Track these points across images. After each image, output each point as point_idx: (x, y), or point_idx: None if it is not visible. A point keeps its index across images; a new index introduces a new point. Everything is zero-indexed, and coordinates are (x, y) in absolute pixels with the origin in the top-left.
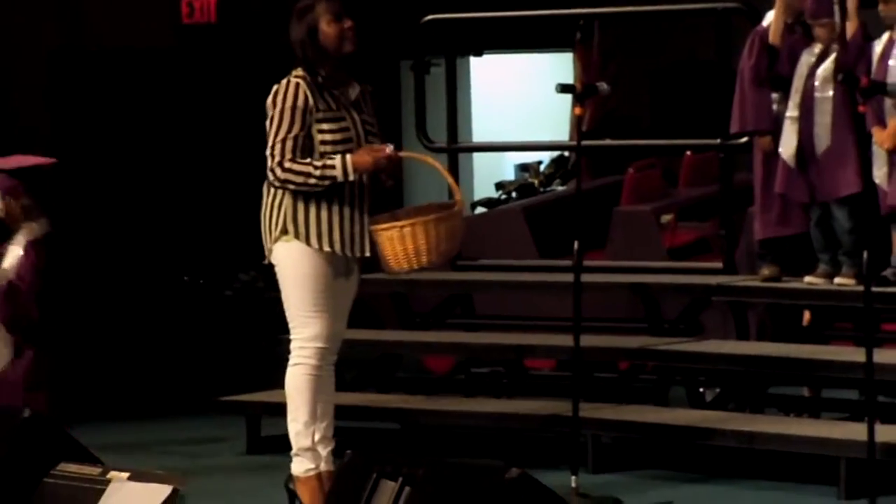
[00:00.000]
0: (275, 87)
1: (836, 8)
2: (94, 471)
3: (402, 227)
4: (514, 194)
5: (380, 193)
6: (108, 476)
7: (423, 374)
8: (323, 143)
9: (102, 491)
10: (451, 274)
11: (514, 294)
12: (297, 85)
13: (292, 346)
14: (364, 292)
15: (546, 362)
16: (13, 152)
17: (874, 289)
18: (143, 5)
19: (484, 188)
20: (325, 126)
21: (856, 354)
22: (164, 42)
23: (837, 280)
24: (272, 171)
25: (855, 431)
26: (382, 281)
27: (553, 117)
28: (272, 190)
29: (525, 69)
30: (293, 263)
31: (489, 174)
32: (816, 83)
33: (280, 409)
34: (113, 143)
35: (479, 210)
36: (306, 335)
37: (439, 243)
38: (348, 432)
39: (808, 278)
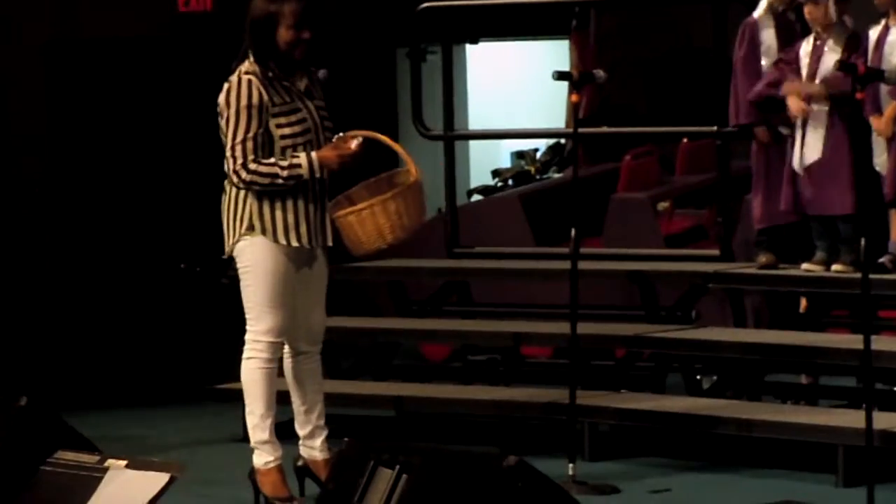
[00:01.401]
0: (226, 86)
1: None
2: (92, 458)
3: (360, 210)
4: (510, 182)
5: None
6: (106, 464)
7: (420, 362)
8: (282, 137)
9: (100, 479)
10: (448, 261)
11: (510, 281)
12: (250, 82)
13: (246, 338)
14: (360, 280)
15: (543, 350)
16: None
17: (871, 276)
18: None
19: (480, 176)
20: (282, 120)
21: (853, 342)
22: (159, 31)
23: (834, 267)
24: (236, 173)
25: (853, 419)
26: (379, 269)
27: (549, 105)
28: (232, 186)
29: (521, 57)
30: (258, 259)
31: (485, 162)
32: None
33: (278, 398)
34: (109, 132)
35: (476, 198)
36: (261, 328)
37: (401, 218)
38: (345, 420)
39: (805, 265)
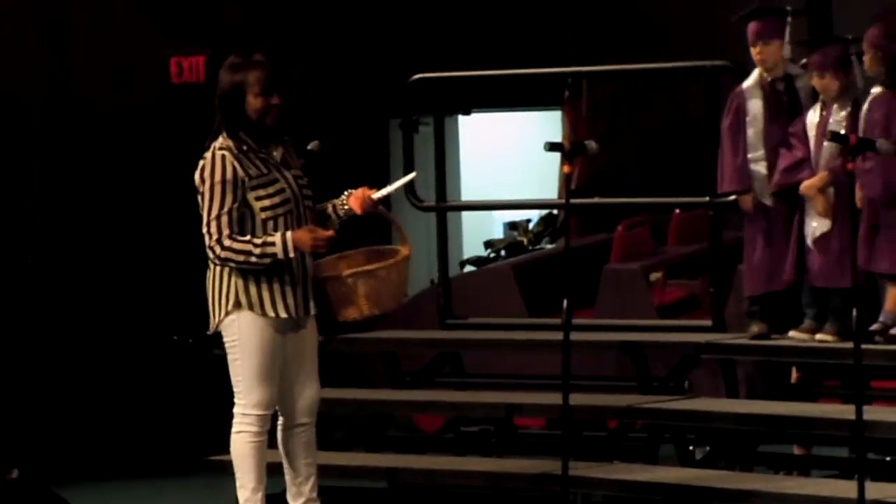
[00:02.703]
0: (201, 163)
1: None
2: None
3: (351, 275)
4: (503, 252)
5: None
6: None
7: (413, 433)
8: (262, 209)
9: None
10: (441, 332)
11: (503, 352)
12: (224, 157)
13: (235, 411)
14: (353, 351)
15: (536, 421)
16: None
17: (863, 346)
18: (133, 65)
19: (473, 246)
20: (261, 192)
21: (846, 412)
22: (152, 101)
23: (818, 336)
24: (211, 248)
25: (845, 489)
26: (371, 340)
27: (542, 175)
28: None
29: (514, 127)
30: (245, 334)
31: (478, 232)
32: (820, 163)
33: (269, 469)
34: (102, 201)
35: (469, 268)
36: (249, 402)
37: (396, 289)
38: (337, 492)
39: (792, 332)
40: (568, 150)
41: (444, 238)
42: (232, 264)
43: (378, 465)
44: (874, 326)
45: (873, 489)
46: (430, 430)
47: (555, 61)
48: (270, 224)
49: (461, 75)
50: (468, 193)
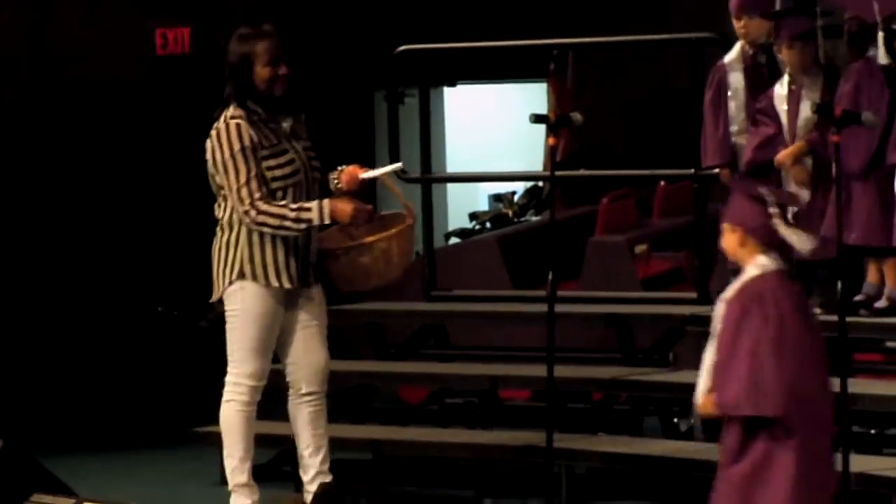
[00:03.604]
0: (213, 133)
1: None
2: (68, 501)
3: (358, 246)
4: (488, 225)
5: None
6: None
7: (398, 405)
8: (273, 179)
9: None
10: (425, 304)
11: (488, 324)
12: (238, 126)
13: (227, 380)
14: (339, 323)
15: (520, 393)
16: None
17: (848, 319)
18: (117, 37)
19: (458, 218)
20: (271, 162)
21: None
22: (137, 74)
23: None
24: (246, 213)
25: None
26: (356, 312)
27: (527, 147)
28: (224, 232)
29: (499, 99)
30: (247, 304)
31: (463, 204)
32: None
33: (256, 441)
34: (87, 175)
35: (454, 241)
36: (243, 371)
37: (399, 259)
38: None
39: None
40: (553, 122)
41: (430, 210)
42: (267, 229)
43: (363, 436)
44: (858, 297)
45: (858, 461)
46: (415, 401)
47: (540, 33)
48: (279, 194)
49: (446, 47)
50: (453, 165)
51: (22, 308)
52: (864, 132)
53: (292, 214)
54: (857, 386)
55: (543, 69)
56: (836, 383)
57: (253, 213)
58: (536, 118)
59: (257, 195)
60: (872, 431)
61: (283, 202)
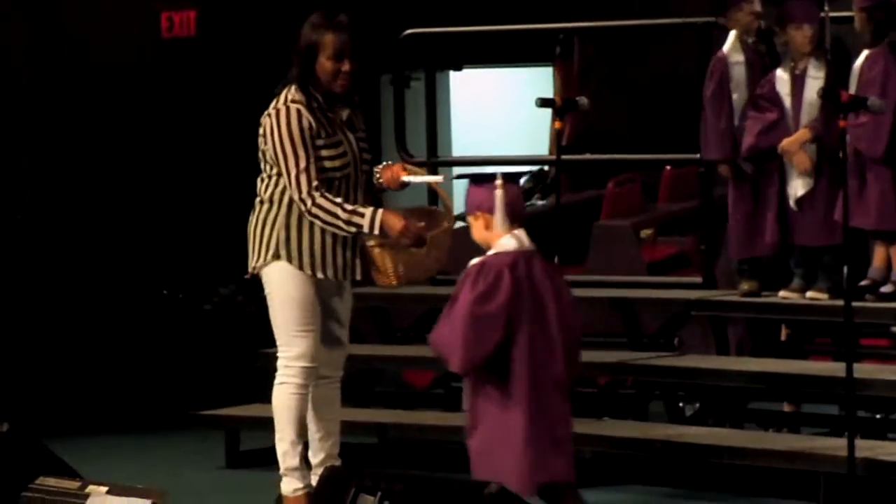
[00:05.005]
0: (273, 113)
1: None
2: (73, 485)
3: (387, 243)
4: None
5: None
6: (87, 490)
7: (403, 389)
8: (323, 169)
9: None
10: (431, 288)
11: None
12: (299, 112)
13: (278, 364)
14: None
15: None
16: None
17: (854, 304)
18: (123, 20)
19: (463, 202)
20: (325, 153)
21: (836, 370)
22: (143, 57)
23: (809, 294)
24: (303, 201)
25: (835, 447)
26: (362, 295)
27: (533, 132)
28: (264, 206)
29: (505, 83)
30: (283, 285)
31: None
32: (801, 121)
33: (259, 424)
34: (93, 158)
35: (459, 224)
36: (292, 354)
37: (435, 259)
38: None
39: (782, 293)
40: (559, 106)
41: (435, 193)
42: (318, 221)
43: (368, 420)
44: (863, 282)
45: (863, 446)
46: (420, 385)
47: (546, 17)
48: (327, 185)
49: (452, 31)
50: (459, 149)
51: (28, 292)
52: (888, 118)
53: (344, 216)
54: (863, 371)
55: (549, 53)
56: (841, 368)
57: (308, 202)
58: (542, 102)
59: (314, 184)
60: (878, 416)
61: (338, 199)
